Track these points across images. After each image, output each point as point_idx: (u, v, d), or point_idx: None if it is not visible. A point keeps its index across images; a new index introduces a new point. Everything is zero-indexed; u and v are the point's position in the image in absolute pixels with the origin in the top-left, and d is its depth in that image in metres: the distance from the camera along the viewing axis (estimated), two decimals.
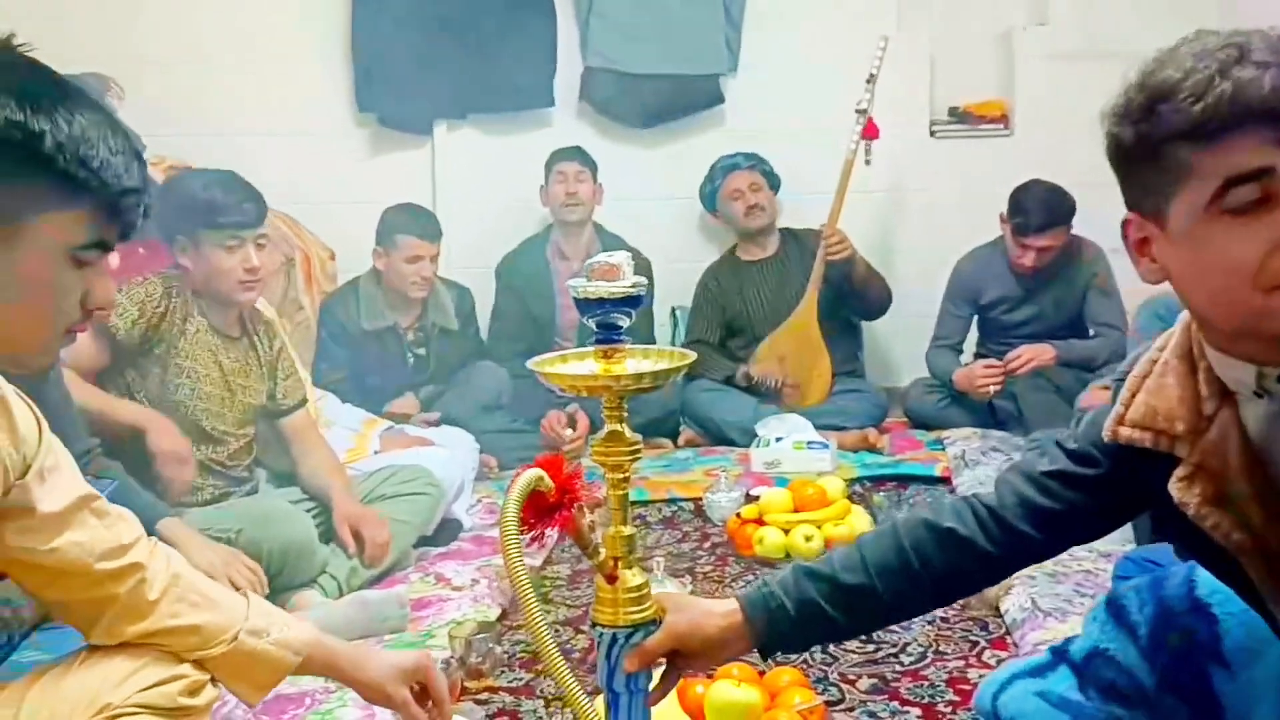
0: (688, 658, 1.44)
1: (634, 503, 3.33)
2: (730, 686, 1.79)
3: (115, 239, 1.21)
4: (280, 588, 2.43)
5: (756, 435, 3.66)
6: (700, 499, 3.21)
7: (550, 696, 2.05)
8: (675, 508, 3.29)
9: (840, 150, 4.02)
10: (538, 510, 1.30)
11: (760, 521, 2.83)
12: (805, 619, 1.40)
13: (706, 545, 2.95)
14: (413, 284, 3.69)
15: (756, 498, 2.99)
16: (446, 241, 3.88)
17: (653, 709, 1.46)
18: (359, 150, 4.47)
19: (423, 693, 1.55)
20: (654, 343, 4.08)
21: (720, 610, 1.44)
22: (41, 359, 1.24)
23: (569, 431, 3.79)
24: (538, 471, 1.28)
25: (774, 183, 4.24)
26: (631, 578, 1.42)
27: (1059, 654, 1.56)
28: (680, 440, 4.02)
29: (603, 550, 1.41)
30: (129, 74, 3.68)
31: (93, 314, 1.23)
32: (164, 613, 1.38)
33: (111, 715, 1.37)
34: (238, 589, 2.15)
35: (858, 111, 3.98)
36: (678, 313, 4.46)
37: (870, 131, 4.01)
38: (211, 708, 1.50)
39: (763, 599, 1.42)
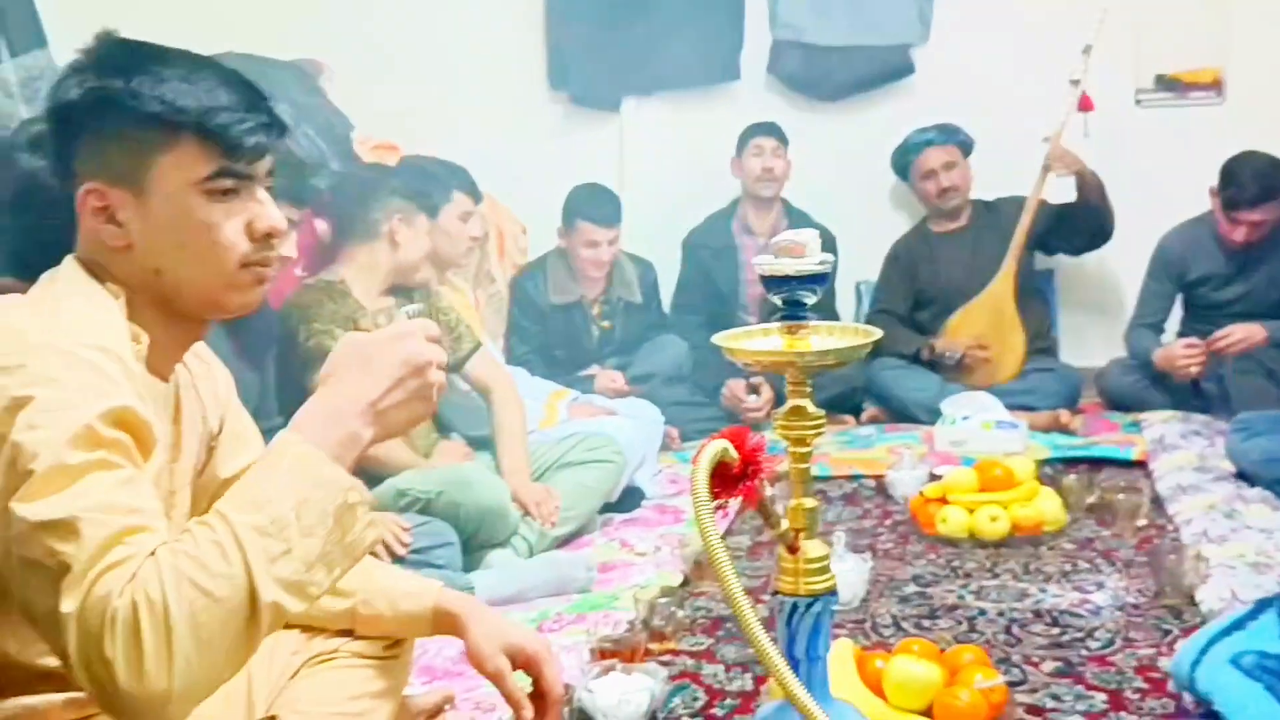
0: None
1: (815, 478, 3.36)
2: (910, 661, 1.80)
3: (243, 164, 1.23)
4: (476, 547, 2.57)
5: (942, 413, 3.61)
6: (882, 476, 3.19)
7: (730, 661, 2.09)
8: (856, 484, 3.29)
9: (1039, 120, 3.89)
10: (722, 480, 1.33)
11: (944, 501, 2.80)
12: None
13: (888, 522, 2.94)
14: (590, 264, 3.79)
15: (940, 477, 2.95)
16: (632, 215, 3.96)
17: (833, 680, 1.49)
18: (551, 126, 4.60)
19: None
20: (836, 318, 4.06)
21: None
22: (235, 297, 1.27)
23: (751, 398, 3.84)
24: (723, 443, 1.32)
25: (969, 151, 4.15)
26: (813, 549, 1.45)
27: (1266, 603, 1.51)
28: (863, 417, 4.00)
29: (785, 521, 1.44)
30: (342, 58, 3.90)
31: (269, 240, 1.26)
32: None
33: (321, 661, 1.50)
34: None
35: (1071, 83, 3.84)
36: (862, 288, 4.42)
37: (1086, 104, 3.86)
38: (412, 650, 1.61)
39: None
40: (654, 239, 4.28)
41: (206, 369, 1.43)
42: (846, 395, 3.98)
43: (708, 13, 4.42)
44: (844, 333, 1.45)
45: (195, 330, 1.33)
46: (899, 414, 3.92)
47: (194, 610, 0.99)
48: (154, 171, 1.21)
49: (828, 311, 4.01)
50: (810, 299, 1.40)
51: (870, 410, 4.01)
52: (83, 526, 1.00)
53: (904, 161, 4.20)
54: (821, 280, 1.39)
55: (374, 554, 2.29)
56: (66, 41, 2.91)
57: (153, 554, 1.00)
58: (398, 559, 2.35)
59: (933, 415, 3.68)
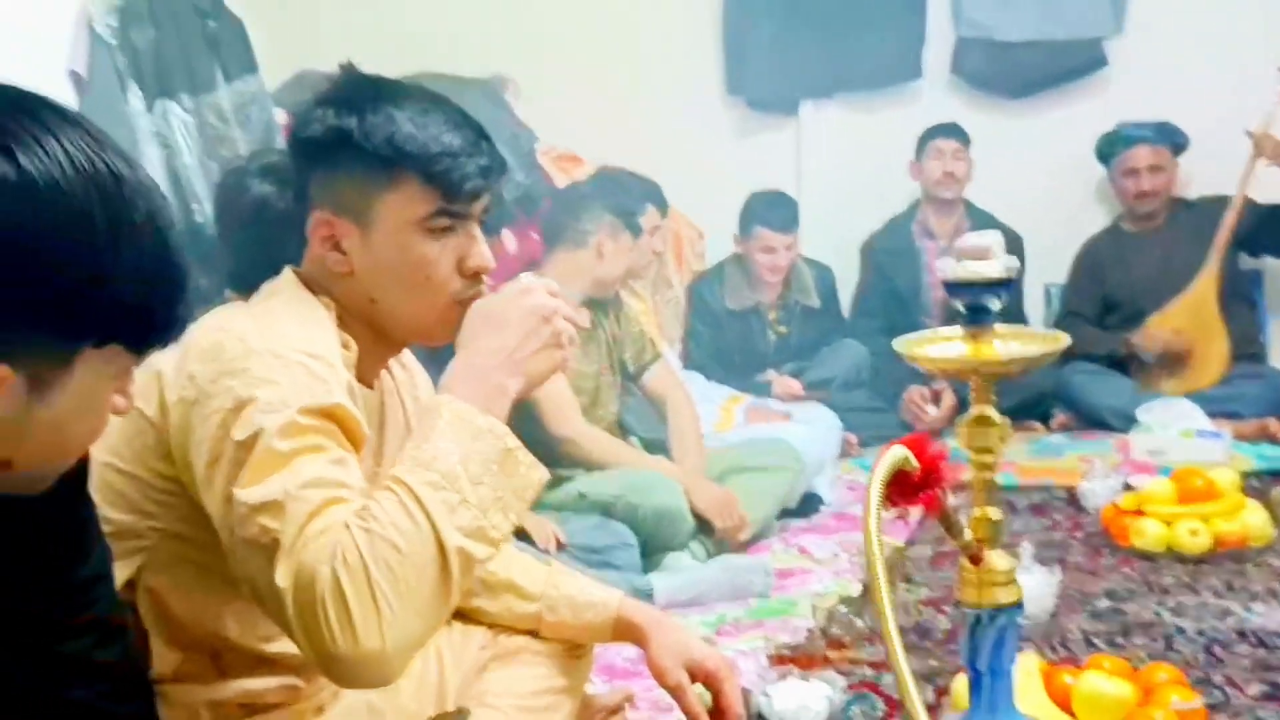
0: None
1: (1001, 488, 3.28)
2: (1101, 678, 1.74)
3: (460, 205, 1.30)
4: (653, 549, 2.61)
5: (1139, 421, 3.45)
6: (1073, 486, 3.08)
7: (916, 673, 2.06)
8: (1045, 494, 3.18)
9: (1244, 113, 3.68)
10: (902, 489, 1.32)
11: (1139, 512, 2.68)
12: None
13: (1079, 534, 2.83)
14: (767, 270, 3.79)
15: (1135, 487, 2.83)
16: (810, 220, 3.95)
17: (1018, 695, 1.45)
18: (728, 132, 4.60)
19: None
20: (1025, 321, 3.95)
21: None
22: (441, 331, 1.33)
23: (931, 408, 3.76)
24: (903, 450, 1.30)
25: (1180, 151, 3.95)
26: (997, 560, 1.42)
27: None
28: (1053, 424, 3.87)
29: (967, 531, 1.41)
30: (528, 73, 4.02)
31: (478, 278, 1.33)
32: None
33: (509, 656, 1.55)
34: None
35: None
36: (1051, 290, 4.27)
37: None
38: (593, 650, 1.65)
39: None
40: (833, 243, 4.24)
41: (409, 376, 1.51)
42: (1035, 401, 3.85)
43: (889, 11, 4.35)
44: (1030, 338, 1.42)
45: (400, 347, 1.42)
46: (1091, 421, 3.77)
47: (391, 567, 1.05)
48: (378, 207, 1.29)
49: (1015, 315, 3.89)
50: (995, 304, 1.37)
51: (1060, 417, 3.87)
52: (288, 504, 1.08)
53: (1109, 151, 4.02)
54: (1006, 286, 1.36)
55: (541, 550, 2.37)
56: (274, 66, 3.12)
57: (346, 525, 1.07)
58: (588, 548, 2.42)
59: (1127, 423, 3.52)
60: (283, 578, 1.06)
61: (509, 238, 3.04)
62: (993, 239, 1.36)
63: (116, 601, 1.10)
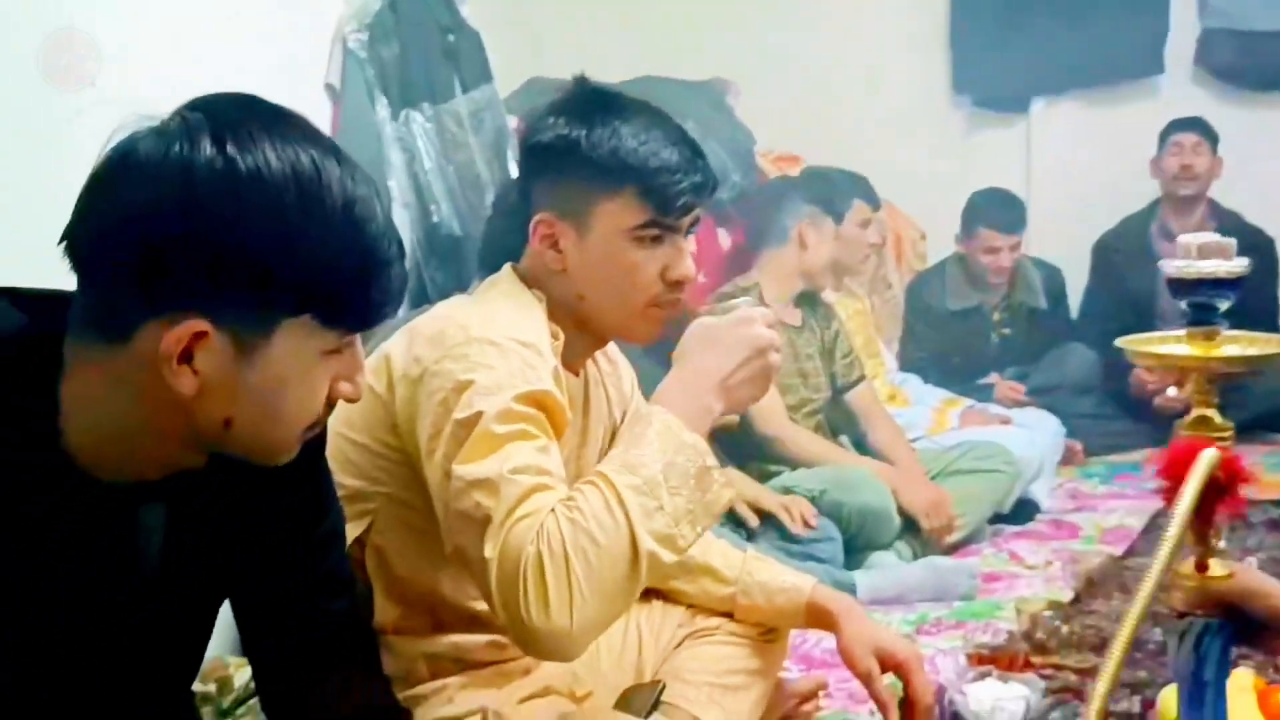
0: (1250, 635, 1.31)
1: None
2: None
3: (673, 219, 1.37)
4: (858, 547, 2.61)
5: None
6: None
7: (1123, 682, 1.98)
8: None
9: None
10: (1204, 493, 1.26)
11: None
12: None
13: None
14: (990, 271, 3.71)
15: None
16: (1041, 219, 3.82)
17: (1230, 710, 1.38)
18: (953, 131, 4.49)
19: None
20: (1277, 329, 3.69)
21: None
22: (640, 330, 1.43)
23: (1172, 390, 3.57)
24: (1216, 453, 1.24)
25: None
26: (1218, 566, 1.36)
27: None
28: None
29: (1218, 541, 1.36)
30: (750, 75, 4.06)
31: (679, 286, 1.40)
32: None
33: (703, 635, 1.60)
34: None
35: None
36: None
37: None
38: (788, 635, 1.68)
39: None
40: (1066, 243, 4.08)
41: (614, 368, 1.60)
42: None
43: (1127, 2, 4.15)
44: (1261, 342, 1.35)
45: (603, 341, 1.50)
46: None
47: (588, 557, 1.13)
48: (596, 213, 1.38)
49: (1269, 324, 3.65)
50: (1224, 304, 1.32)
51: None
52: (501, 485, 1.17)
53: None
54: (1236, 286, 1.30)
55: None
56: (506, 74, 3.26)
57: (553, 510, 1.15)
58: (789, 538, 2.46)
59: None
60: (490, 550, 1.14)
61: (723, 235, 3.08)
62: (1226, 239, 1.30)
63: (346, 558, 1.21)
